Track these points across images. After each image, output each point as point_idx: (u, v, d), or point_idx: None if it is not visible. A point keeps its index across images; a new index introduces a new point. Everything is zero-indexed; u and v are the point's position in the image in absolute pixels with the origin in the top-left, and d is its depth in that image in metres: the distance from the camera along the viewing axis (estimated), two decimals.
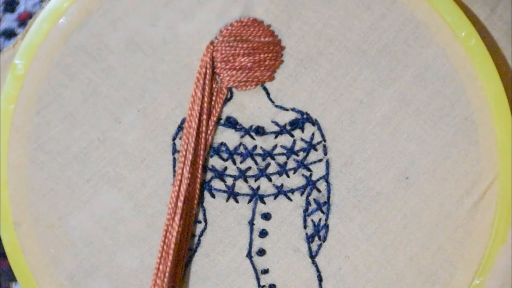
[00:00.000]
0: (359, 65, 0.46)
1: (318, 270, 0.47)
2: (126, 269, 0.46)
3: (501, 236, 0.45)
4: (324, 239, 0.46)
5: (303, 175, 0.46)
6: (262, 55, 0.46)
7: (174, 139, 0.46)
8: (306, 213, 0.46)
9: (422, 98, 0.46)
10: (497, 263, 0.45)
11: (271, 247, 0.47)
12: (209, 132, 0.46)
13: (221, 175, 0.46)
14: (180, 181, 0.45)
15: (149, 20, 0.46)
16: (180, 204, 0.45)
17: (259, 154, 0.46)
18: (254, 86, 0.46)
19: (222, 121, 0.46)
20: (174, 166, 0.46)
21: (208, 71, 0.45)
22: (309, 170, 0.46)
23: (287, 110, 0.46)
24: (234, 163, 0.46)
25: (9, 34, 0.54)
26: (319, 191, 0.46)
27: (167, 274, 0.45)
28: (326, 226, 0.46)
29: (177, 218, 0.45)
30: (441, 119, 0.46)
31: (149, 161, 0.46)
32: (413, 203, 0.46)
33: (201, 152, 0.46)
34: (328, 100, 0.46)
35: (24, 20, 0.54)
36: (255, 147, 0.46)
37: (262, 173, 0.46)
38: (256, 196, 0.46)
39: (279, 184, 0.46)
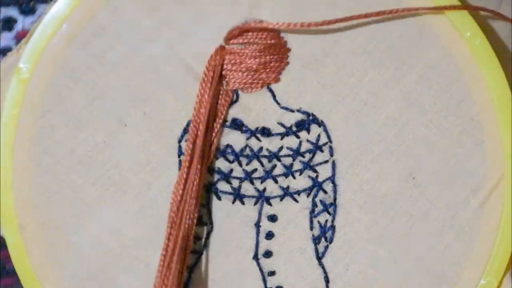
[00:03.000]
0: (365, 66, 0.46)
1: (325, 272, 0.47)
2: (132, 271, 0.46)
3: (507, 236, 0.46)
4: (331, 241, 0.46)
5: (309, 176, 0.46)
6: (267, 57, 0.46)
7: (179, 141, 0.46)
8: (313, 214, 0.46)
9: (428, 98, 0.46)
10: None
11: (277, 249, 0.47)
12: (214, 134, 0.46)
13: (227, 177, 0.46)
14: (185, 183, 0.45)
15: (154, 23, 0.46)
16: (182, 206, 0.45)
17: (265, 156, 0.46)
18: (260, 88, 0.46)
19: (228, 123, 0.46)
20: (179, 169, 0.46)
21: (214, 73, 0.46)
22: (315, 171, 0.46)
23: (293, 111, 0.46)
24: (240, 165, 0.46)
25: (7, 52, 0.54)
26: (325, 192, 0.46)
27: (172, 274, 0.44)
28: (333, 228, 0.46)
29: (178, 219, 0.45)
30: (447, 119, 0.46)
31: (154, 164, 0.46)
32: (420, 204, 0.46)
33: (206, 154, 0.46)
34: (333, 101, 0.46)
35: (22, 39, 0.54)
36: (261, 148, 0.46)
37: (268, 174, 0.46)
38: (262, 198, 0.46)
39: (285, 186, 0.46)
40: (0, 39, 0.55)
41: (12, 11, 0.55)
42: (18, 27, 0.55)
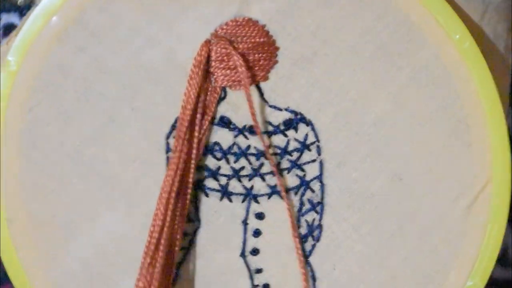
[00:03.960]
0: (354, 66, 0.45)
1: (312, 270, 0.47)
2: (125, 269, 0.46)
3: (494, 238, 0.46)
4: (318, 239, 0.46)
5: (296, 175, 0.46)
6: (256, 55, 0.46)
7: (167, 138, 0.46)
8: (300, 213, 0.46)
9: (416, 100, 0.46)
10: None
11: (264, 246, 0.47)
12: (202, 131, 0.46)
13: (214, 174, 0.46)
14: (173, 180, 0.45)
15: (144, 17, 0.46)
16: (171, 201, 0.45)
17: (253, 154, 0.46)
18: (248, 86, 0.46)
19: (216, 121, 0.46)
20: (167, 165, 0.46)
21: (201, 70, 0.45)
22: (303, 170, 0.46)
23: (281, 110, 0.46)
24: (228, 162, 0.46)
25: None
26: (312, 191, 0.46)
27: (156, 271, 0.44)
28: (320, 226, 0.46)
29: (167, 215, 0.45)
30: (435, 121, 0.46)
31: (142, 160, 0.46)
32: (407, 204, 0.46)
33: (194, 151, 0.46)
34: (322, 101, 0.46)
35: None
36: (248, 146, 0.46)
37: (256, 172, 0.46)
38: (249, 195, 0.46)
39: (272, 184, 0.46)
40: (0, 45, 0.55)
41: (13, 18, 0.55)
42: None
